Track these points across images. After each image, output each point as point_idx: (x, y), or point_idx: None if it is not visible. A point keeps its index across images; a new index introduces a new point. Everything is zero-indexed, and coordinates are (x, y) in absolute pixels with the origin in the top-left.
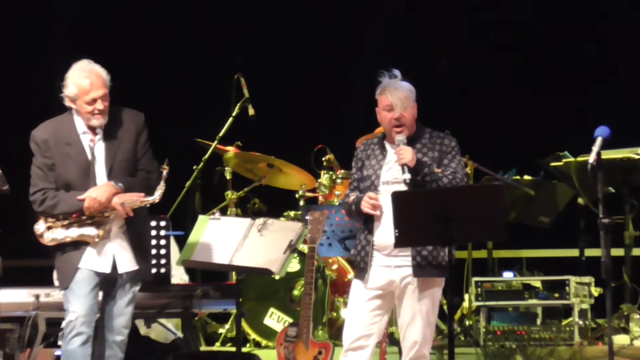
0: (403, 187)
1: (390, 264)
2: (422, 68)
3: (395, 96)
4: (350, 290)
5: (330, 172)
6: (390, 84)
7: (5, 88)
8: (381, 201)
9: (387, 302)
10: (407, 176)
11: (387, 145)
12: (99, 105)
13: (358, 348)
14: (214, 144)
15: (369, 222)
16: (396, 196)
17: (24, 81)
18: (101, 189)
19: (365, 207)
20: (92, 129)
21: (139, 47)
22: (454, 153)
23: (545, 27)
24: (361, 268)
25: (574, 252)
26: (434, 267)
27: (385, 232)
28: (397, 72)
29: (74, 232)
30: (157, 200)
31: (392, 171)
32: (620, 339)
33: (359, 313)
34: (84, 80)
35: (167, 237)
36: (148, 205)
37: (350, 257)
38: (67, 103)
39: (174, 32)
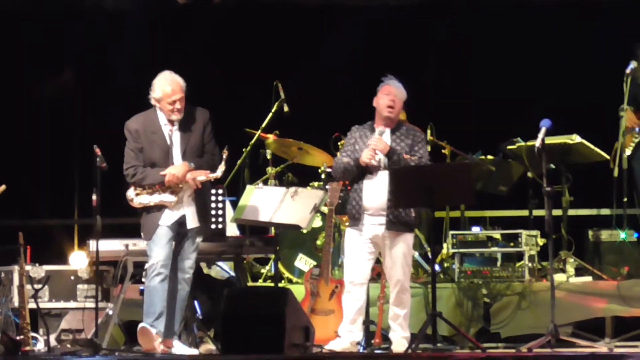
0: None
1: (375, 222)
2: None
3: (395, 88)
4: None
5: None
6: (393, 81)
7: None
8: (371, 172)
9: (374, 248)
10: (380, 157)
11: (376, 130)
12: (177, 105)
13: (358, 284)
14: (258, 133)
15: (358, 189)
16: (393, 171)
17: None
18: (178, 168)
19: (366, 156)
20: (171, 122)
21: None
22: (422, 143)
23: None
24: (355, 218)
25: (524, 213)
26: (402, 224)
27: (370, 196)
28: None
29: (156, 198)
30: (219, 177)
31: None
32: (559, 277)
33: (356, 257)
34: (167, 87)
35: (223, 202)
36: (211, 180)
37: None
38: (153, 102)
39: (227, 49)
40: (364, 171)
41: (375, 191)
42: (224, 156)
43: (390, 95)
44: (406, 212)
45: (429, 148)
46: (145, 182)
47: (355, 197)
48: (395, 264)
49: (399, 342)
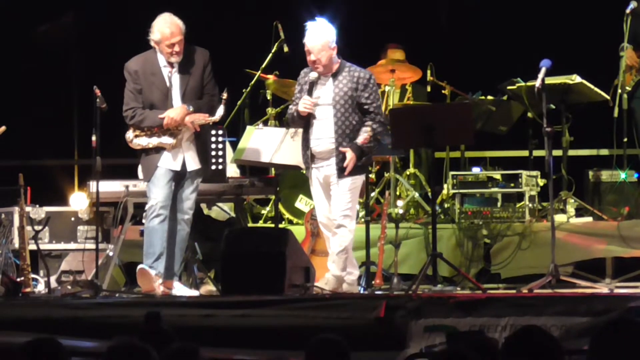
0: (328, 107)
1: (325, 164)
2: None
3: (312, 44)
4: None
5: None
6: (309, 34)
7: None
8: (317, 117)
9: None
10: (302, 101)
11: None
12: (176, 48)
13: (327, 225)
14: (258, 73)
15: (305, 135)
16: (393, 112)
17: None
18: (177, 110)
19: (301, 107)
20: (170, 64)
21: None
22: (369, 90)
23: None
24: (307, 168)
25: (524, 153)
26: (352, 170)
27: (317, 142)
28: (320, 19)
29: (155, 140)
30: (217, 120)
31: (322, 96)
32: (559, 218)
33: (319, 200)
34: (166, 29)
35: (223, 142)
36: (211, 123)
37: None
38: (152, 44)
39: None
40: (309, 117)
41: (322, 136)
42: (224, 98)
43: (308, 54)
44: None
45: (428, 88)
46: (144, 124)
47: (304, 145)
48: (336, 196)
49: (326, 279)
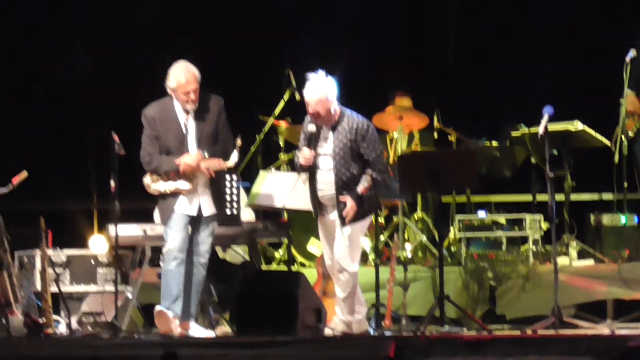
0: (328, 158)
1: (328, 212)
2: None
3: (310, 97)
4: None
5: None
6: (309, 86)
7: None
8: (320, 167)
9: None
10: (301, 151)
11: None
12: (192, 95)
13: (333, 269)
14: (271, 120)
15: (311, 183)
16: (401, 158)
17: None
18: (192, 157)
19: (301, 160)
20: (186, 111)
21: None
22: (367, 141)
23: None
24: (315, 215)
25: (528, 197)
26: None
27: (322, 188)
28: (320, 72)
29: (171, 185)
30: (232, 166)
31: (323, 146)
32: (562, 260)
33: (326, 246)
34: (182, 77)
35: (237, 187)
36: (225, 168)
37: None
38: (169, 91)
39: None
40: (313, 167)
41: (325, 185)
42: (238, 144)
43: (309, 106)
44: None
45: (435, 135)
46: (160, 170)
47: (310, 192)
48: (338, 241)
49: (334, 322)
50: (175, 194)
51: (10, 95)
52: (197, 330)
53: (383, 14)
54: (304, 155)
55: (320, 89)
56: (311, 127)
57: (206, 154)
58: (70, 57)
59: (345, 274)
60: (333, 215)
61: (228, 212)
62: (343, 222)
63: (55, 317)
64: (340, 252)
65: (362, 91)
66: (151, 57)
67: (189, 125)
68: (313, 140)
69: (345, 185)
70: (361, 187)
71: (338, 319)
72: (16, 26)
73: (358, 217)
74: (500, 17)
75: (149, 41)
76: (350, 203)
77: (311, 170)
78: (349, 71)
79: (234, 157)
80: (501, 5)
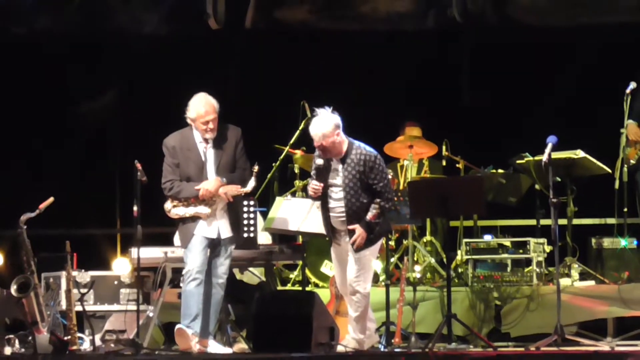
0: (339, 189)
1: (342, 235)
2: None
3: (313, 132)
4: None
5: None
6: (314, 122)
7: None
8: (330, 198)
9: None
10: (311, 181)
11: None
12: (211, 125)
13: (345, 291)
14: (286, 149)
15: (324, 209)
16: (411, 185)
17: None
18: (211, 183)
19: (310, 192)
20: (205, 140)
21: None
22: (375, 171)
23: None
24: (329, 239)
25: (532, 222)
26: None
27: (334, 215)
28: (326, 109)
29: (191, 210)
30: (249, 191)
31: (335, 178)
32: (564, 281)
33: (338, 269)
34: (201, 108)
35: (255, 212)
36: (243, 194)
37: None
38: (188, 121)
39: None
40: (325, 196)
41: (337, 213)
42: (255, 171)
43: (314, 141)
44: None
45: (443, 163)
46: (181, 195)
47: (323, 219)
48: (350, 265)
49: (347, 340)
50: (194, 218)
51: (41, 129)
52: (215, 348)
53: (396, 53)
54: (312, 187)
55: (323, 124)
56: (319, 161)
57: (224, 180)
58: (97, 93)
59: (358, 296)
60: (345, 241)
61: (245, 235)
62: (354, 249)
63: (79, 334)
64: (353, 275)
65: (375, 121)
66: (172, 93)
67: (208, 153)
68: (323, 172)
69: (355, 214)
70: (370, 215)
71: (350, 337)
72: (46, 62)
73: (368, 243)
74: (507, 55)
75: (170, 78)
76: (359, 231)
77: (323, 200)
78: (365, 103)
79: (251, 183)
80: (509, 44)
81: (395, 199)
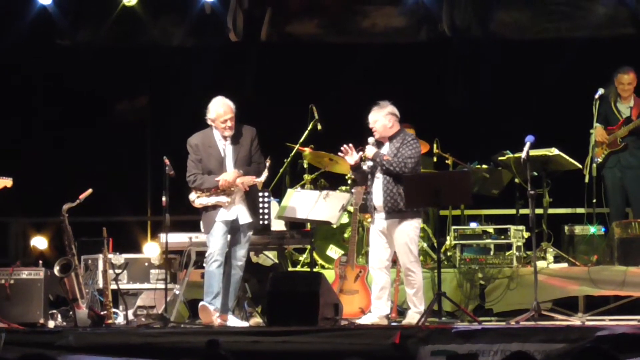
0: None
1: (380, 217)
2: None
3: (372, 115)
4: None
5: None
6: (373, 109)
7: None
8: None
9: (386, 238)
10: (369, 164)
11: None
12: (229, 124)
13: (377, 268)
14: (296, 146)
15: (369, 191)
16: (407, 178)
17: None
18: (230, 174)
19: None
20: (225, 138)
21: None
22: (406, 145)
23: None
24: (371, 215)
25: (512, 211)
26: (396, 212)
27: (374, 197)
28: (383, 102)
29: (213, 199)
30: (262, 181)
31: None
32: (540, 264)
33: (373, 246)
34: (220, 109)
35: (269, 202)
36: (257, 184)
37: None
38: (209, 122)
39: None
40: (370, 176)
41: (376, 192)
42: (267, 164)
43: (370, 123)
44: (397, 203)
45: (434, 159)
46: (203, 186)
47: (369, 198)
48: (398, 251)
49: (410, 315)
50: (216, 207)
51: (82, 128)
52: (234, 322)
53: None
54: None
55: (380, 111)
56: (370, 140)
57: (241, 172)
58: (133, 97)
59: (413, 275)
60: (385, 222)
61: (261, 222)
62: (389, 216)
63: (114, 310)
64: (402, 256)
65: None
66: (196, 97)
67: (227, 149)
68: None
69: (392, 190)
70: (385, 155)
71: (411, 312)
72: (87, 70)
73: (402, 215)
74: (491, 64)
75: (195, 85)
76: (371, 149)
77: (369, 178)
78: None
79: (265, 174)
80: (492, 54)
81: None
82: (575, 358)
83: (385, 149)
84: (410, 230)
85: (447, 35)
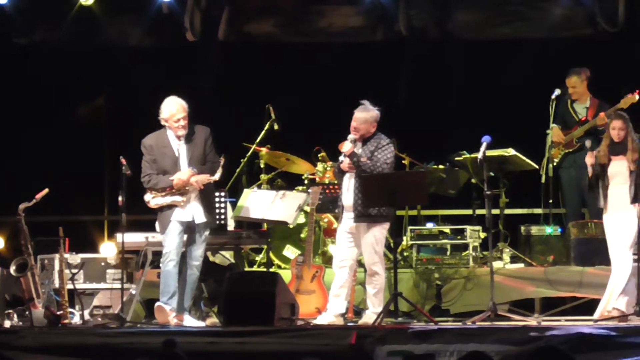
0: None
1: (349, 217)
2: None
3: (357, 114)
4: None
5: (323, 164)
6: (359, 108)
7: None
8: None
9: (352, 238)
10: (343, 159)
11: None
12: (182, 122)
13: (339, 267)
14: (253, 146)
15: (340, 190)
16: (363, 178)
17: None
18: (184, 173)
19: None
20: (178, 138)
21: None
22: (381, 149)
23: None
24: (340, 213)
25: (469, 211)
26: (365, 217)
27: (345, 196)
28: (368, 104)
29: (168, 199)
30: (217, 179)
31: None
32: (497, 264)
33: (338, 244)
34: (173, 108)
35: (225, 202)
36: (212, 182)
37: (335, 214)
38: (162, 122)
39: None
40: (340, 173)
41: (347, 192)
42: (222, 162)
43: (354, 122)
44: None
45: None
46: (158, 186)
47: (339, 197)
48: (364, 251)
49: (367, 315)
50: (171, 207)
51: (39, 127)
52: (190, 322)
53: (350, 62)
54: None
55: (364, 112)
56: (350, 137)
57: (195, 170)
58: (89, 97)
59: (376, 276)
60: (353, 222)
61: (217, 222)
62: (358, 220)
63: (70, 310)
64: (366, 257)
65: (331, 122)
66: (153, 98)
67: (181, 149)
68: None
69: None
70: (362, 158)
71: (369, 312)
72: (43, 69)
73: (371, 219)
74: (448, 65)
75: (151, 84)
76: (347, 146)
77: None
78: (322, 106)
79: (219, 172)
80: (448, 54)
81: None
82: (531, 358)
83: (358, 149)
84: (377, 232)
85: (404, 35)
